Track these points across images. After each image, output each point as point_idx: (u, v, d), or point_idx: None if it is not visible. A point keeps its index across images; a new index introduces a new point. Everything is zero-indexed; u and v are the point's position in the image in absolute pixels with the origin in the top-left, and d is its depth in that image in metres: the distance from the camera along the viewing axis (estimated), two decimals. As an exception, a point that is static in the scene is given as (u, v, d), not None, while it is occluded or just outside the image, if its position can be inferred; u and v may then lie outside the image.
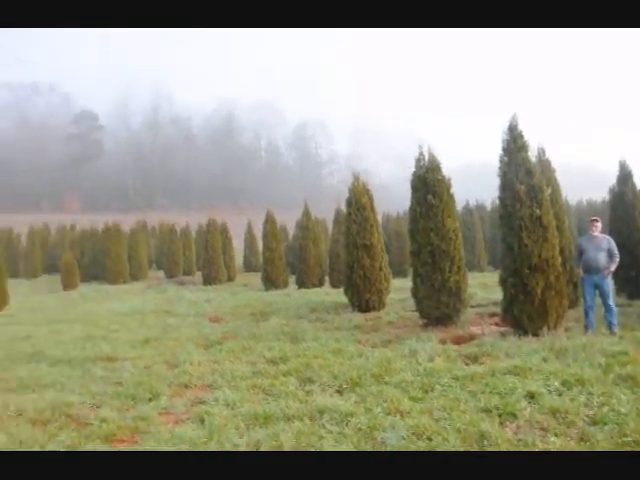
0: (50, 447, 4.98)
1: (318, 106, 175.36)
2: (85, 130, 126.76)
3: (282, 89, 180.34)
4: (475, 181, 70.65)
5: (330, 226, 25.03)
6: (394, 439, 4.41)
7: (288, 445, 4.54)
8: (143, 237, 32.30)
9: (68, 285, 25.04)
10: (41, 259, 35.32)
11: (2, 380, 7.72)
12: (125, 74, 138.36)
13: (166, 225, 34.29)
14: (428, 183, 10.09)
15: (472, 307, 11.25)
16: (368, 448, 4.44)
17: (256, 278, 24.43)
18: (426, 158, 10.33)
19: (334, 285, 19.55)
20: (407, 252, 25.35)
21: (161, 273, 31.55)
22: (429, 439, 4.46)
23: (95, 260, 29.99)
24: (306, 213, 21.11)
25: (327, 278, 20.77)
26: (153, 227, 41.33)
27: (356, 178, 13.34)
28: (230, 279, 26.16)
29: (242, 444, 4.69)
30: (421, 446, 4.35)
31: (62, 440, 5.21)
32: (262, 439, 4.77)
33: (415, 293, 10.25)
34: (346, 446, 4.44)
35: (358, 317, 11.50)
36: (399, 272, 23.16)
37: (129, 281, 27.75)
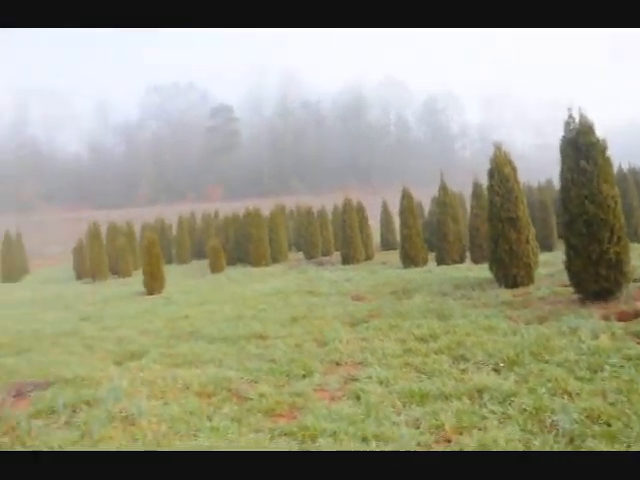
0: (216, 420, 5.26)
1: (447, 78, 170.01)
2: (222, 122, 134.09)
3: (410, 63, 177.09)
4: (622, 144, 64.68)
5: (467, 200, 24.18)
6: (567, 422, 4.11)
7: (449, 424, 4.42)
8: (282, 220, 33.29)
9: (215, 269, 26.55)
10: (190, 245, 37.90)
11: (169, 356, 8.35)
12: (255, 66, 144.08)
13: (303, 207, 35.12)
14: (580, 147, 9.30)
15: (634, 281, 10.28)
16: (535, 430, 4.19)
17: (394, 256, 24.31)
18: (576, 120, 9.51)
19: (476, 261, 18.90)
20: (552, 224, 24.17)
21: (300, 255, 32.45)
22: (607, 424, 4.10)
23: (238, 244, 31.53)
24: (443, 188, 20.54)
25: (468, 254, 20.15)
26: (291, 210, 42.61)
27: (497, 148, 12.65)
28: (368, 258, 26.25)
29: (401, 422, 4.65)
30: (597, 430, 4.02)
31: (226, 413, 5.50)
32: (421, 417, 4.70)
33: (569, 266, 9.54)
34: (511, 427, 4.22)
35: (505, 293, 10.98)
36: (544, 246, 21.81)
37: (270, 263, 28.86)
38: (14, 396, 6.92)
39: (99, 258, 29.63)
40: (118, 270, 30.42)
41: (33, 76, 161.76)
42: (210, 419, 5.33)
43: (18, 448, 5.02)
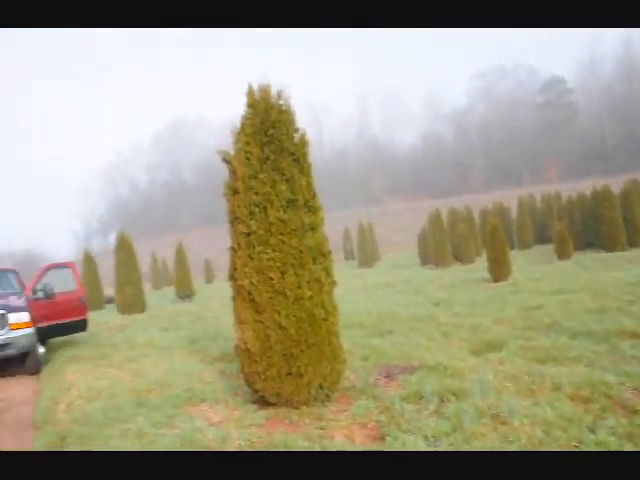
0: (601, 433, 4.57)
1: None
2: (554, 96, 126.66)
3: None
4: None
5: None
6: None
7: None
8: (637, 198, 29.38)
9: (562, 254, 24.95)
10: (531, 230, 36.41)
11: (529, 349, 7.79)
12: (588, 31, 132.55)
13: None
14: None
15: None
16: None
17: None
18: None
19: None
20: None
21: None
22: None
23: (587, 227, 29.05)
24: None
25: None
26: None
27: None
28: None
29: None
30: None
31: (611, 426, 4.76)
32: None
33: None
34: None
35: None
36: None
37: (627, 248, 25.74)
38: (385, 377, 7.36)
39: (442, 244, 30.75)
40: (460, 256, 31.09)
41: (371, 81, 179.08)
42: (592, 431, 4.70)
43: (393, 429, 5.17)
